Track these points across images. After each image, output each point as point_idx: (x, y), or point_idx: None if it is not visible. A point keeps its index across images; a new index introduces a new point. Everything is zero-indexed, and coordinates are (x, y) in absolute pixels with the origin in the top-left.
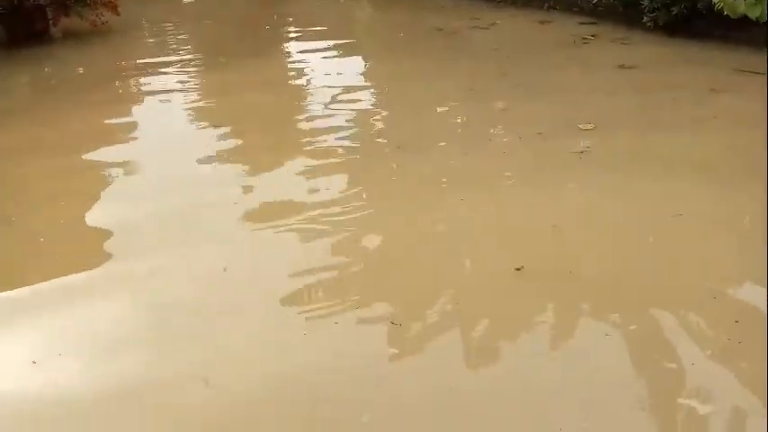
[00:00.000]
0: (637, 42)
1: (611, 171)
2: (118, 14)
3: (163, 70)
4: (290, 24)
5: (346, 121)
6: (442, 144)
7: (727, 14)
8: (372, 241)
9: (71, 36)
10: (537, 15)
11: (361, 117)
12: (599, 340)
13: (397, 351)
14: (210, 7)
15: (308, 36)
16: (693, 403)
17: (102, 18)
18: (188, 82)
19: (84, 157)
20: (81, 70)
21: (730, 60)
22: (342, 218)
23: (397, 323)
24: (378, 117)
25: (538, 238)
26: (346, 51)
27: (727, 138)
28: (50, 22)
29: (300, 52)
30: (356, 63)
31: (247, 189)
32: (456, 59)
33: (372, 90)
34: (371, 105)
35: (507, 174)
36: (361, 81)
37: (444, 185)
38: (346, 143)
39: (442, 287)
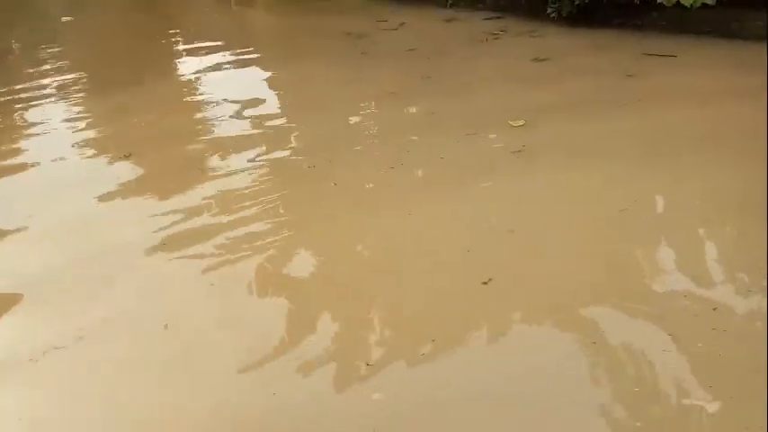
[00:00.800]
0: (544, 34)
1: (554, 168)
2: None
3: (43, 99)
4: (182, 37)
5: (255, 137)
6: (371, 154)
7: (625, 2)
8: (306, 268)
9: None
10: (442, 14)
11: (273, 133)
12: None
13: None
14: (92, 25)
15: (204, 49)
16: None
17: None
18: (74, 110)
19: None
20: None
21: (637, 46)
22: (265, 241)
23: (370, 363)
24: (292, 130)
25: (498, 247)
26: (247, 62)
27: (657, 120)
28: None
29: (198, 70)
30: (260, 74)
31: (158, 225)
32: (372, 64)
33: (282, 102)
34: (282, 119)
35: (447, 179)
36: (267, 93)
37: (381, 199)
38: (259, 161)
39: (406, 312)
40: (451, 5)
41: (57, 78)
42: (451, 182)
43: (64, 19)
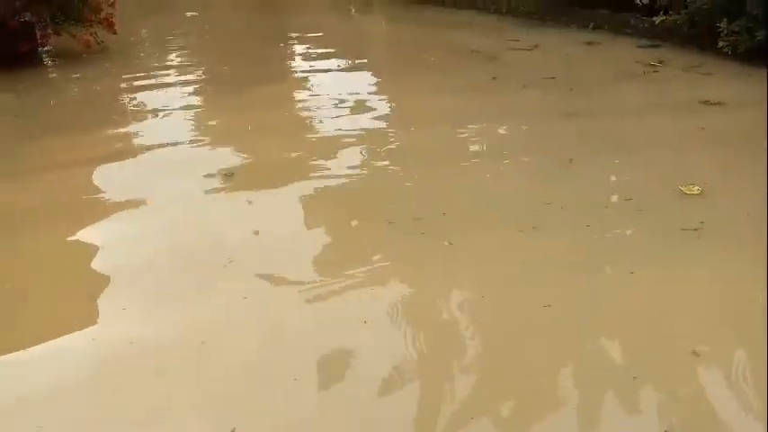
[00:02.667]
0: (714, 71)
1: (743, 255)
2: (115, 32)
3: (164, 88)
4: (299, 40)
5: (358, 174)
6: (495, 212)
7: None
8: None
9: (61, 57)
10: (581, 36)
11: (388, 178)
12: None
13: None
14: (215, 21)
15: (320, 55)
16: None
17: (97, 38)
18: (190, 100)
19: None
20: (70, 96)
21: None
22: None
23: None
24: (403, 180)
25: (677, 372)
26: (363, 75)
27: None
28: (39, 41)
29: (311, 71)
30: (372, 89)
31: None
32: (504, 92)
33: (399, 140)
34: (394, 163)
35: (596, 260)
36: (386, 123)
37: (505, 274)
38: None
39: None
40: (594, 27)
41: (177, 71)
42: (601, 264)
43: (188, 14)
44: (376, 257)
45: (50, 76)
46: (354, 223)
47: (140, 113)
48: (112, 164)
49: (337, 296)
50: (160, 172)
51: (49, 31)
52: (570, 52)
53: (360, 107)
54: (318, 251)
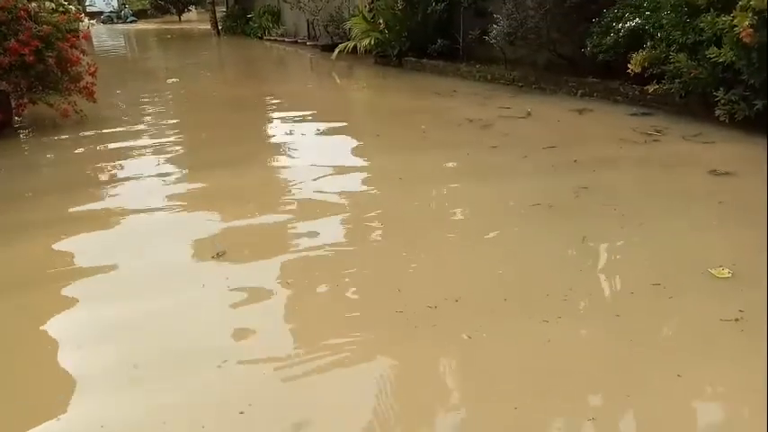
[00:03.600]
0: (716, 140)
1: None
2: (95, 101)
3: (142, 152)
4: (279, 106)
5: (352, 249)
6: (512, 303)
7: None
8: None
9: (37, 125)
10: (570, 103)
11: (391, 257)
12: None
13: None
14: (195, 87)
15: (303, 122)
16: None
17: (76, 106)
18: (167, 165)
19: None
20: (43, 163)
21: None
22: None
23: None
24: (414, 257)
25: None
26: (355, 152)
27: None
28: (13, 110)
29: (293, 136)
30: (369, 171)
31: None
32: (507, 162)
33: (402, 215)
34: (394, 239)
35: (658, 361)
36: (382, 194)
37: (567, 379)
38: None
39: None
40: (583, 95)
41: (155, 137)
42: (644, 366)
43: (170, 81)
44: (387, 359)
45: (24, 144)
46: (356, 314)
47: (116, 180)
48: (84, 233)
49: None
50: (133, 239)
51: (25, 100)
52: (563, 120)
53: (348, 175)
54: (316, 357)
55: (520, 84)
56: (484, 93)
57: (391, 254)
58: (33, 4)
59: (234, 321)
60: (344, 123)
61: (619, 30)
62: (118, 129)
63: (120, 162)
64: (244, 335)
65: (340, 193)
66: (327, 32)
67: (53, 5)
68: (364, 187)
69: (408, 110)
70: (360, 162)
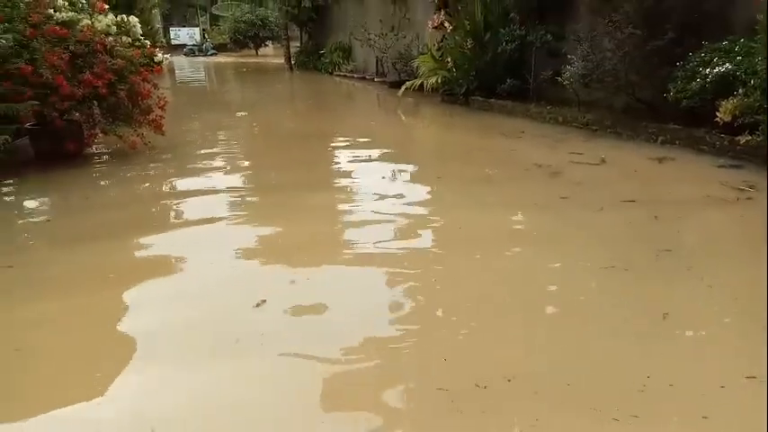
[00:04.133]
0: None
1: None
2: (163, 134)
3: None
4: (344, 147)
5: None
6: (590, 396)
7: None
8: None
9: (106, 156)
10: (649, 150)
11: (439, 325)
12: None
13: None
14: (263, 120)
15: (368, 161)
16: None
17: (144, 138)
18: (239, 216)
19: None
20: (108, 199)
21: None
22: None
23: None
24: (463, 324)
25: None
26: (417, 197)
27: None
28: (85, 141)
29: (359, 179)
30: (434, 215)
31: None
32: (580, 217)
33: (455, 272)
34: (446, 305)
35: None
36: (440, 250)
37: None
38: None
39: None
40: (663, 142)
41: (222, 173)
42: None
43: (239, 114)
44: None
45: (93, 176)
46: (390, 388)
47: (181, 220)
48: (146, 281)
49: None
50: (199, 286)
51: (96, 131)
52: (641, 168)
53: (410, 226)
54: None
55: (594, 127)
56: (554, 135)
57: (441, 317)
58: (110, 39)
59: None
60: (409, 165)
61: (706, 75)
62: (184, 162)
63: (185, 200)
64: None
65: (397, 247)
66: (396, 69)
67: (130, 40)
68: (422, 239)
69: (473, 149)
70: (420, 210)
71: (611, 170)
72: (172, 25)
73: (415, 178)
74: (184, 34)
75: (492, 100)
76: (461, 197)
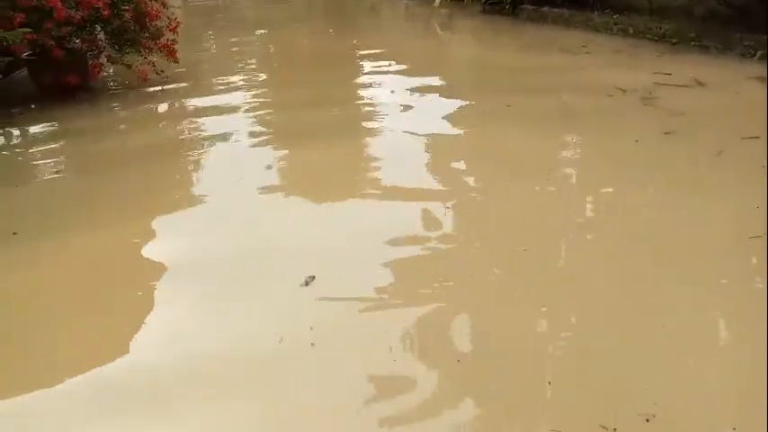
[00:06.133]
0: None
1: None
2: (177, 61)
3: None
4: (372, 59)
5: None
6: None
7: None
8: None
9: (114, 89)
10: (747, 68)
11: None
12: None
13: None
14: (283, 39)
15: (414, 89)
16: None
17: (156, 67)
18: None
19: None
20: (118, 142)
21: None
22: None
23: None
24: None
25: None
26: (455, 116)
27: None
28: (89, 72)
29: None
30: (512, 161)
31: None
32: (692, 163)
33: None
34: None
35: None
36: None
37: None
38: None
39: None
40: (762, 57)
41: (242, 92)
42: None
43: (258, 32)
44: None
45: (101, 109)
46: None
47: (203, 151)
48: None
49: None
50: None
51: (101, 60)
52: (749, 93)
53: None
54: None
55: (673, 40)
56: (627, 50)
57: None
58: None
59: None
60: (463, 101)
61: None
62: (202, 93)
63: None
64: None
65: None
66: None
67: None
68: (504, 181)
69: (534, 70)
70: (499, 148)
71: (713, 95)
72: None
73: (478, 112)
74: None
75: (545, 8)
76: (540, 130)
